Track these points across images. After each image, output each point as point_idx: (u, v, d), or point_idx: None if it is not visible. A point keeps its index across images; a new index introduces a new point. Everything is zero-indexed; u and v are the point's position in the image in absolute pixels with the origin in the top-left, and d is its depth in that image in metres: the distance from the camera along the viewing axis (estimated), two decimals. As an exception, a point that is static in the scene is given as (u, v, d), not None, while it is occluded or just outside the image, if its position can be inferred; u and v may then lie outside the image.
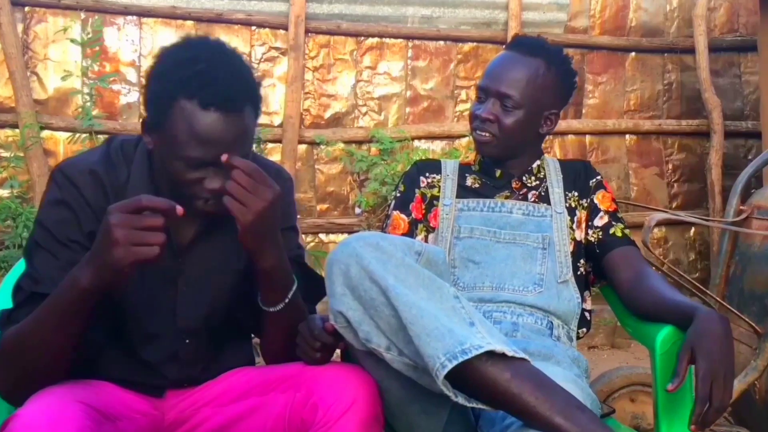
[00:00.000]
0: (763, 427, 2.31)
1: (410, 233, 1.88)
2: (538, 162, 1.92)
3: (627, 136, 4.66)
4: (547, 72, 1.83)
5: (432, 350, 1.22)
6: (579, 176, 1.93)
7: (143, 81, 1.49)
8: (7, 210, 3.27)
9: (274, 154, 4.15)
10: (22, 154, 3.58)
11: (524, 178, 1.90)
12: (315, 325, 1.44)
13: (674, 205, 4.68)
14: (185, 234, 1.48)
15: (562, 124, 4.50)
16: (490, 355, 1.23)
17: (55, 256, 1.40)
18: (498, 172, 1.90)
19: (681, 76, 4.73)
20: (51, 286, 1.35)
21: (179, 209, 1.23)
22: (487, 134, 1.82)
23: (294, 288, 1.46)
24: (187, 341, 1.51)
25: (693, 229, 4.67)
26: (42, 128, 3.75)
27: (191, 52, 1.39)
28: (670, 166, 4.71)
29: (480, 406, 1.28)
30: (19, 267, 1.66)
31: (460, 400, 1.25)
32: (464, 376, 1.23)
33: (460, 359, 1.20)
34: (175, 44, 1.44)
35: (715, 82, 4.62)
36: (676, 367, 1.44)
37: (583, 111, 4.62)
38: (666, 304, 1.60)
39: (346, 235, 4.03)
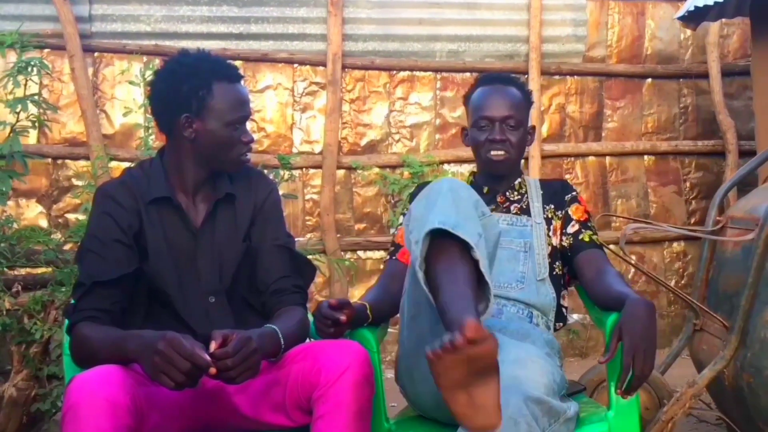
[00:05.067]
0: (733, 409, 2.59)
1: None
2: (519, 180, 2.28)
3: (645, 157, 4.96)
4: (522, 96, 2.25)
5: (434, 217, 1.61)
6: (557, 192, 2.28)
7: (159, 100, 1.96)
8: (83, 230, 3.67)
9: (315, 178, 4.56)
10: (94, 183, 4.04)
11: (507, 194, 2.26)
12: (323, 308, 1.85)
13: (692, 220, 4.95)
14: (198, 218, 1.95)
15: (582, 147, 4.85)
16: (461, 248, 1.59)
17: (103, 257, 1.85)
18: (486, 189, 2.27)
19: (696, 100, 5.01)
20: (105, 275, 1.82)
21: (212, 370, 1.59)
22: (503, 153, 2.19)
23: (282, 345, 1.80)
24: (212, 300, 1.93)
25: (711, 244, 4.93)
26: (110, 159, 4.20)
27: (187, 58, 1.93)
28: (688, 185, 4.99)
29: (421, 277, 1.62)
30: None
31: (418, 260, 1.61)
32: (433, 253, 1.60)
33: (447, 229, 1.57)
34: (167, 65, 1.95)
35: (730, 104, 4.90)
36: (608, 344, 1.79)
37: (603, 134, 4.93)
38: (613, 294, 1.94)
39: (382, 252, 4.40)
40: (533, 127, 2.31)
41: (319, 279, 4.46)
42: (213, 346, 1.63)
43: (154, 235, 1.91)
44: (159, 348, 1.57)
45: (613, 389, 1.86)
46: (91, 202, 1.93)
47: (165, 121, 1.96)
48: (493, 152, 2.20)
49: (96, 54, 4.40)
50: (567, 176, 4.83)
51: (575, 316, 4.46)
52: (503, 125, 2.20)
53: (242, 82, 1.99)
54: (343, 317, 1.86)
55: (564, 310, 2.23)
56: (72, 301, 1.87)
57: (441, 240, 1.60)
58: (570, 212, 2.24)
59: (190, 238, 1.94)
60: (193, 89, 1.89)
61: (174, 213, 1.94)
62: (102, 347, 1.73)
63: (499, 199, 2.27)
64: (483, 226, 1.71)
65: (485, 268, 1.60)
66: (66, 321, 1.85)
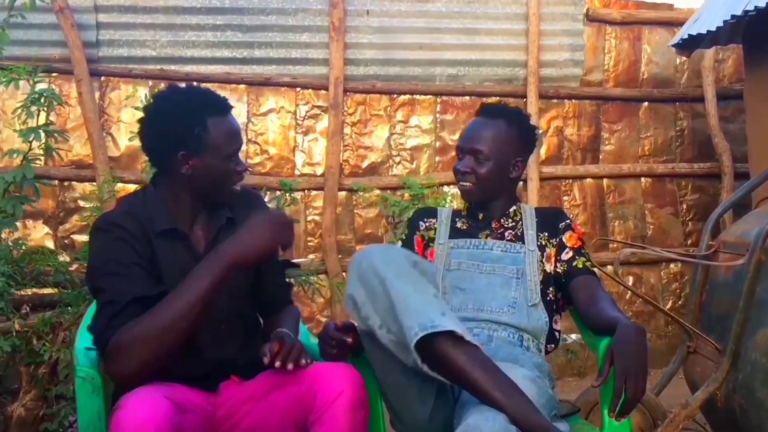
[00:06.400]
0: (724, 428, 2.66)
1: None
2: (514, 207, 2.35)
3: (642, 179, 5.03)
4: (508, 129, 2.28)
5: (410, 323, 1.66)
6: (551, 220, 2.35)
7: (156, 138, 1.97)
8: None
9: (317, 200, 4.63)
10: (100, 205, 4.11)
11: (502, 220, 2.33)
12: (329, 329, 1.92)
13: (689, 242, 5.02)
14: (199, 246, 1.99)
15: (580, 169, 4.92)
16: (454, 338, 1.66)
17: (129, 277, 1.83)
18: (481, 216, 2.35)
19: (692, 123, 5.09)
20: (143, 290, 1.81)
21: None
22: (468, 183, 2.27)
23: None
24: (222, 326, 1.98)
25: (708, 265, 5.00)
26: (116, 181, 4.26)
27: (177, 95, 1.96)
28: (685, 206, 5.07)
29: (439, 377, 1.70)
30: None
31: (425, 368, 1.68)
32: (432, 351, 1.67)
33: (429, 331, 1.64)
34: (156, 103, 1.96)
35: (726, 127, 4.97)
36: (601, 368, 1.86)
37: (600, 157, 5.01)
38: (605, 319, 2.00)
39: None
40: (522, 161, 2.33)
41: (320, 300, 4.53)
42: (266, 361, 1.83)
43: (166, 264, 1.93)
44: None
45: (606, 412, 1.93)
46: (93, 233, 1.90)
47: (159, 159, 1.99)
48: (459, 182, 2.30)
49: (103, 78, 4.48)
50: (565, 198, 4.90)
51: (573, 336, 4.52)
52: (471, 157, 2.27)
53: (232, 111, 2.01)
54: (349, 339, 1.92)
55: (557, 333, 2.29)
56: (94, 323, 1.83)
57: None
58: (564, 240, 2.31)
59: (195, 265, 1.93)
60: (188, 127, 1.90)
61: (179, 242, 1.97)
62: (158, 320, 1.73)
63: (494, 225, 2.34)
64: (422, 272, 1.80)
65: (467, 335, 1.71)
66: (96, 344, 1.83)
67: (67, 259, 3.96)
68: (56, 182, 4.36)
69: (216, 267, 1.78)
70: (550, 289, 2.27)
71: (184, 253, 1.97)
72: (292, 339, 1.93)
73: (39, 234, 4.34)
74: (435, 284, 1.86)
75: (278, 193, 4.32)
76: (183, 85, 2.06)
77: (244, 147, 4.42)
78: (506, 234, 2.32)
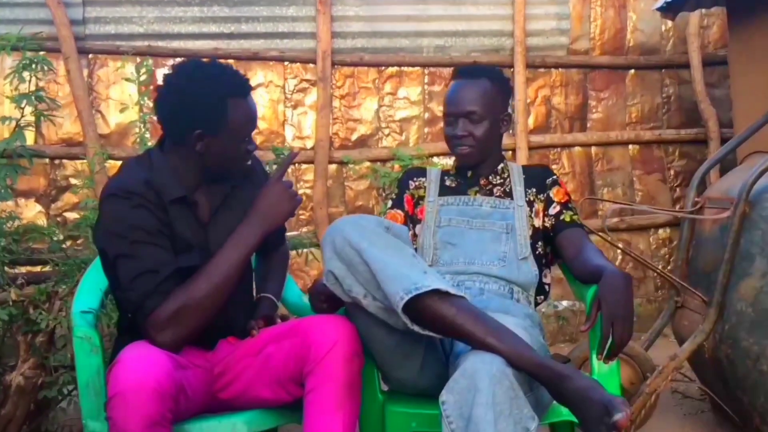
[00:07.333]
0: (714, 382, 2.71)
1: (406, 225, 2.36)
2: (501, 165, 2.39)
3: (630, 146, 5.06)
4: (492, 86, 2.32)
5: (394, 289, 1.68)
6: (538, 177, 2.39)
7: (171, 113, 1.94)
8: (83, 229, 3.75)
9: (307, 173, 4.65)
10: (91, 181, 4.11)
11: (490, 177, 2.37)
12: (319, 284, 1.95)
13: (677, 207, 5.05)
14: (204, 214, 2.00)
15: (568, 138, 4.95)
16: (439, 294, 1.69)
17: (161, 245, 1.85)
18: (470, 173, 2.38)
19: (678, 90, 5.12)
20: (183, 261, 1.86)
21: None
22: (466, 147, 2.30)
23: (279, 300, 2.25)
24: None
25: (696, 230, 5.04)
26: (107, 158, 4.29)
27: (200, 72, 1.91)
28: (672, 172, 5.11)
29: (432, 334, 1.73)
30: (95, 267, 2.11)
31: (416, 328, 1.71)
32: (420, 310, 1.69)
33: (414, 294, 1.66)
34: (178, 77, 1.92)
35: (712, 93, 5.01)
36: (588, 313, 1.90)
37: (588, 125, 5.04)
38: (593, 268, 2.05)
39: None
40: (508, 115, 2.36)
41: (313, 271, 4.57)
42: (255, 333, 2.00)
43: (178, 232, 1.93)
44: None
45: (594, 356, 1.98)
46: (109, 198, 1.88)
47: (174, 132, 1.96)
48: (457, 147, 2.32)
49: (90, 56, 4.48)
50: (554, 167, 4.93)
51: (564, 303, 4.56)
52: (466, 120, 2.29)
53: (250, 92, 1.98)
54: None
55: (546, 286, 2.34)
56: (128, 290, 1.83)
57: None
58: (551, 195, 2.35)
59: (201, 231, 1.98)
60: (209, 108, 1.89)
61: (187, 210, 1.97)
62: (202, 289, 1.83)
63: (482, 182, 2.38)
64: (396, 235, 1.82)
65: (451, 289, 1.73)
66: (134, 311, 1.84)
67: (61, 236, 3.97)
68: (47, 160, 4.36)
69: (251, 239, 1.91)
70: (539, 243, 2.31)
71: (192, 221, 1.98)
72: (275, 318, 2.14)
73: (31, 212, 4.36)
74: (410, 245, 1.89)
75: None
76: (206, 60, 2.00)
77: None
78: (495, 190, 2.35)
